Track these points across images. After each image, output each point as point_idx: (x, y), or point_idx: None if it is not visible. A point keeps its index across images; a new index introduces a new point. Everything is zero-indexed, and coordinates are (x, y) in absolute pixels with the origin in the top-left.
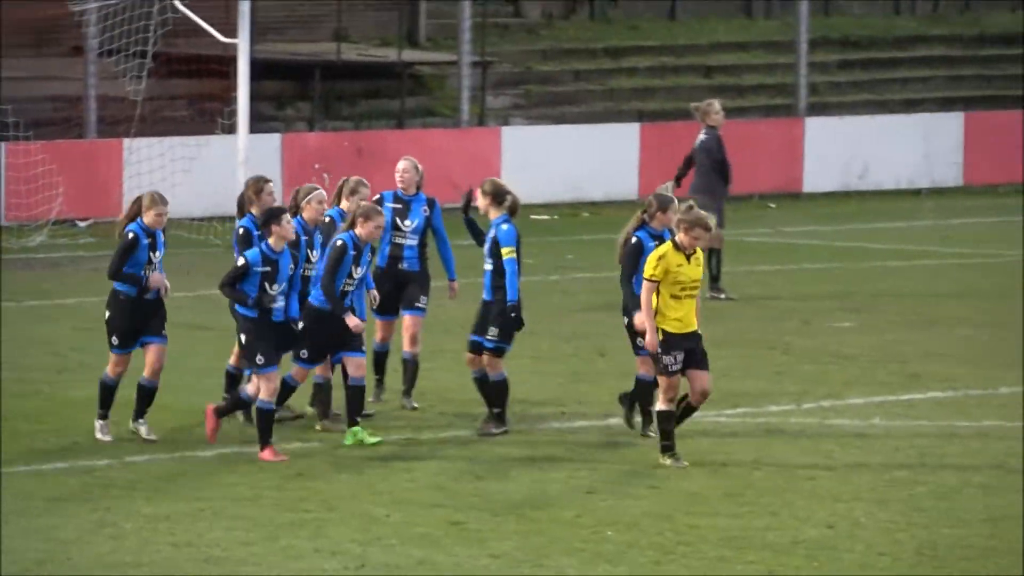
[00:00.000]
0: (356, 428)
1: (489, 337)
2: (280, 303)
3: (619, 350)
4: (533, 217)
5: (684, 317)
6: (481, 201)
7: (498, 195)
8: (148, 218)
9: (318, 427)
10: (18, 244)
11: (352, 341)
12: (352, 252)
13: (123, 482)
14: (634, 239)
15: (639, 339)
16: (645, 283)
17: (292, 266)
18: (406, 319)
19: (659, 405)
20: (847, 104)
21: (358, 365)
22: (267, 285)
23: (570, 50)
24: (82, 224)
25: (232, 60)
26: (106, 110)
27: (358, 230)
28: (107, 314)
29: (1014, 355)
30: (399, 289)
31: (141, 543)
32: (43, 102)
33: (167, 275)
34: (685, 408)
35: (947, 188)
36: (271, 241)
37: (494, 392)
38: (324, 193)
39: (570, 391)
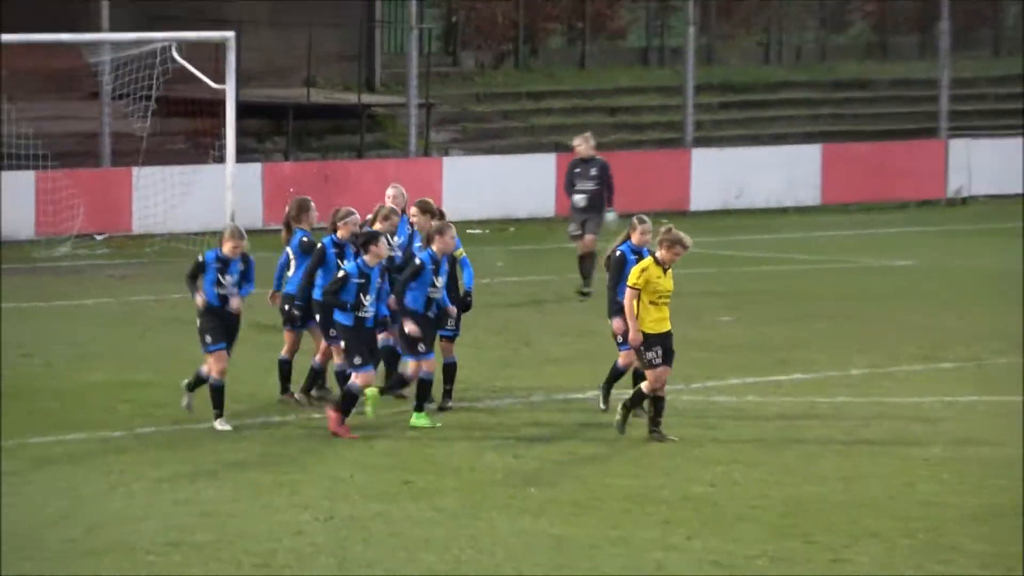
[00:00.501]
0: (422, 413)
1: (448, 327)
2: (371, 312)
3: (541, 341)
4: (469, 231)
5: (660, 320)
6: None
7: (428, 211)
8: (225, 248)
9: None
10: (46, 254)
11: (425, 343)
12: (431, 266)
13: (132, 449)
14: (618, 252)
15: (619, 337)
16: (628, 290)
17: (380, 280)
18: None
19: (645, 387)
20: (726, 138)
21: (430, 363)
22: (362, 295)
23: (499, 94)
24: (99, 237)
25: (221, 102)
26: (118, 144)
27: (434, 246)
28: (197, 321)
29: (862, 342)
30: None
31: (147, 500)
32: (66, 138)
33: (148, 281)
34: (641, 392)
35: (808, 207)
36: (367, 258)
37: (448, 372)
38: (359, 217)
39: (500, 374)
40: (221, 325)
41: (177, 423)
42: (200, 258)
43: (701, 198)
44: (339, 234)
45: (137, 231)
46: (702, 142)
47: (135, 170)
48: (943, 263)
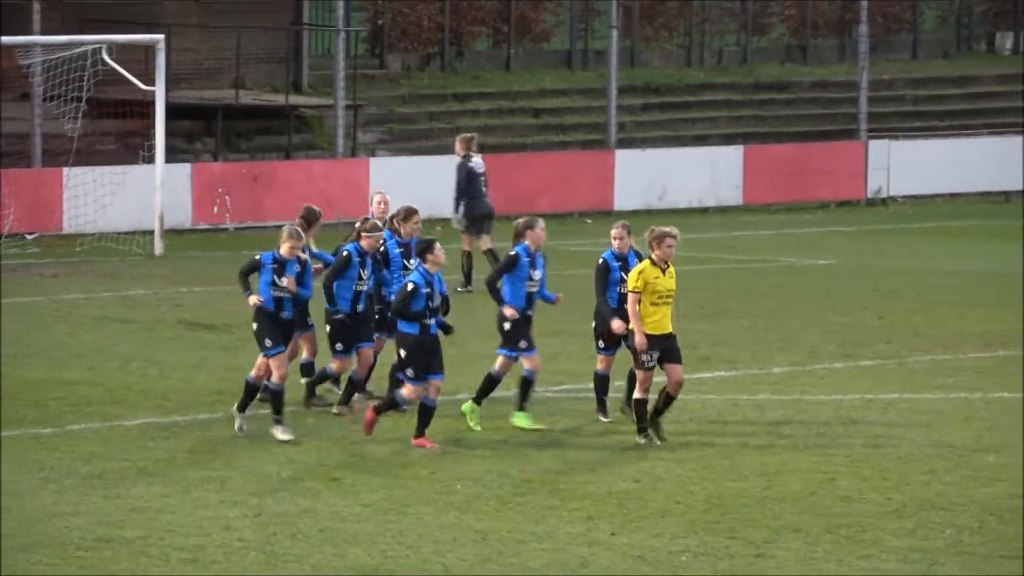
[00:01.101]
0: (524, 413)
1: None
2: (432, 319)
3: (469, 340)
4: None
5: (660, 321)
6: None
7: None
8: (283, 249)
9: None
10: None
11: (527, 339)
12: (526, 259)
13: (63, 446)
14: (601, 260)
15: (600, 342)
16: (630, 295)
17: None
18: None
19: (636, 394)
20: (649, 139)
21: (533, 361)
22: (429, 303)
23: (424, 95)
24: (29, 237)
25: (151, 104)
26: (49, 145)
27: (526, 240)
28: (254, 325)
29: (784, 341)
30: None
31: (78, 496)
32: None
33: (78, 280)
34: (666, 398)
35: (729, 207)
36: (427, 266)
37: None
38: (382, 233)
39: None
40: (278, 328)
41: (107, 420)
42: (257, 256)
43: (624, 199)
44: (363, 244)
45: (68, 231)
46: (625, 143)
47: (66, 170)
48: (863, 263)
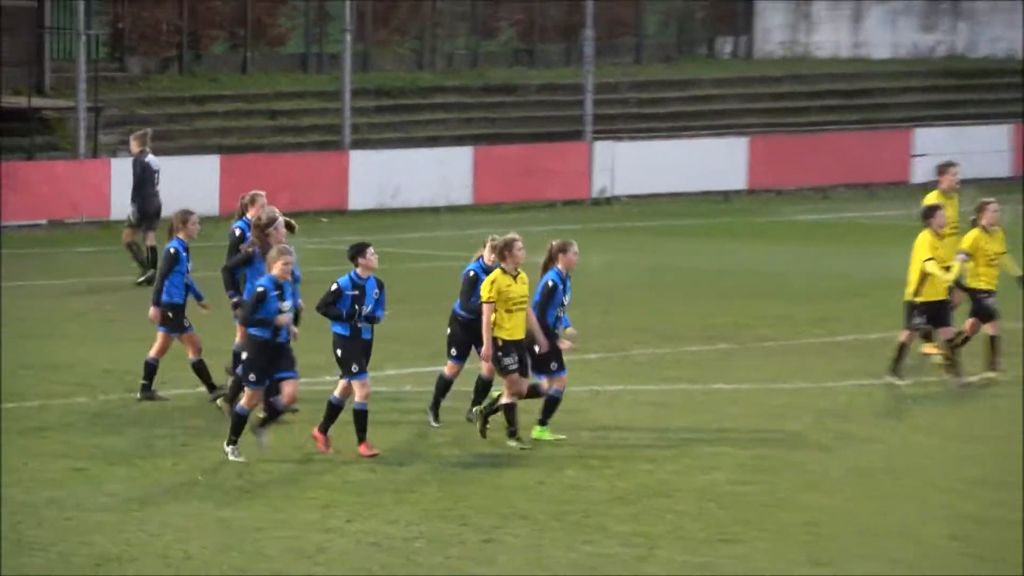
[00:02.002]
0: (544, 427)
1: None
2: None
3: (208, 335)
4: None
5: (517, 327)
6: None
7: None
8: (276, 269)
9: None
10: None
11: (557, 360)
12: (560, 286)
13: None
14: (470, 272)
15: (452, 350)
16: (485, 305)
17: (377, 291)
18: None
19: (504, 400)
20: (382, 140)
21: (561, 381)
22: (356, 306)
23: (164, 98)
24: None
25: None
26: None
27: (559, 264)
28: (244, 355)
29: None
30: None
31: None
32: None
33: None
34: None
35: (461, 206)
36: (359, 270)
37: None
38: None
39: (172, 366)
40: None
41: None
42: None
43: (359, 198)
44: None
45: None
46: (359, 144)
47: None
48: (588, 260)
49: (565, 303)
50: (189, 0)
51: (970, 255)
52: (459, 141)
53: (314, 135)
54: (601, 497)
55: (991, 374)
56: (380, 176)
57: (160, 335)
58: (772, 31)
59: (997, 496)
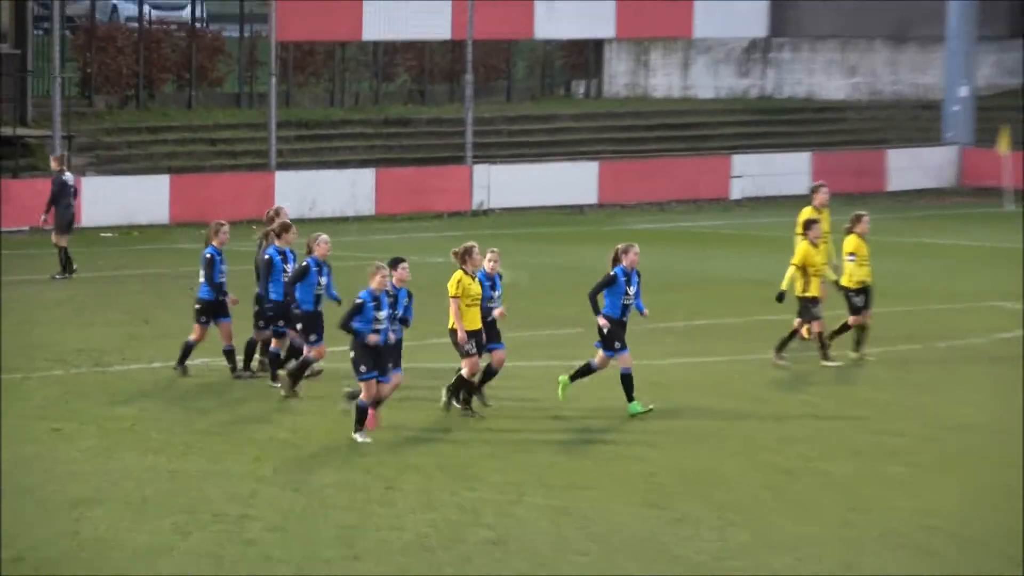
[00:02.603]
0: (634, 402)
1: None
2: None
3: (160, 319)
4: (102, 235)
5: (473, 320)
6: None
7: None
8: (373, 282)
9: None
10: None
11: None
12: (623, 278)
13: None
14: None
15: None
16: (452, 300)
17: (407, 299)
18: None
19: (464, 374)
20: (301, 163)
21: (625, 358)
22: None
23: (124, 128)
24: None
25: None
26: None
27: (624, 261)
28: (352, 354)
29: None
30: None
31: None
32: None
33: None
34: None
35: (366, 216)
36: (394, 280)
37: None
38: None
39: (128, 345)
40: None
41: None
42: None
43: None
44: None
45: None
46: (283, 166)
47: None
48: None
49: (630, 293)
50: (144, 49)
51: (855, 255)
52: (363, 164)
53: (246, 159)
54: (479, 452)
55: (857, 354)
56: (300, 192)
57: (197, 327)
58: (617, 76)
59: (805, 450)
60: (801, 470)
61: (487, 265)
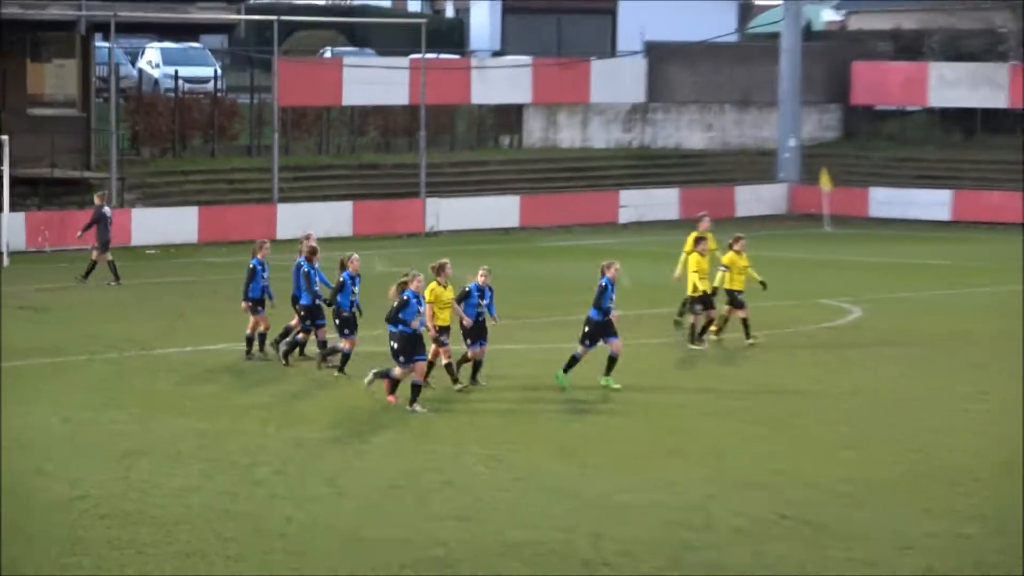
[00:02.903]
0: (609, 377)
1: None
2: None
3: (192, 316)
4: (147, 252)
5: (444, 318)
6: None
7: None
8: (413, 285)
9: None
10: None
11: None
12: (609, 286)
13: None
14: (466, 288)
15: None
16: (427, 305)
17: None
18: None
19: (444, 361)
20: (297, 197)
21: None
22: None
23: (164, 171)
24: None
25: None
26: None
27: (608, 274)
28: (394, 345)
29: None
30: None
31: None
32: None
33: None
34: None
35: (346, 237)
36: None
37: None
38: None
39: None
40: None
41: None
42: (405, 297)
43: (284, 232)
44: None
45: None
46: (283, 200)
47: None
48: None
49: (613, 297)
50: (178, 112)
51: (729, 267)
52: (344, 198)
53: (255, 194)
54: (435, 416)
55: (749, 341)
56: (296, 219)
57: (252, 317)
58: (534, 131)
59: (681, 412)
60: (677, 428)
61: (480, 279)
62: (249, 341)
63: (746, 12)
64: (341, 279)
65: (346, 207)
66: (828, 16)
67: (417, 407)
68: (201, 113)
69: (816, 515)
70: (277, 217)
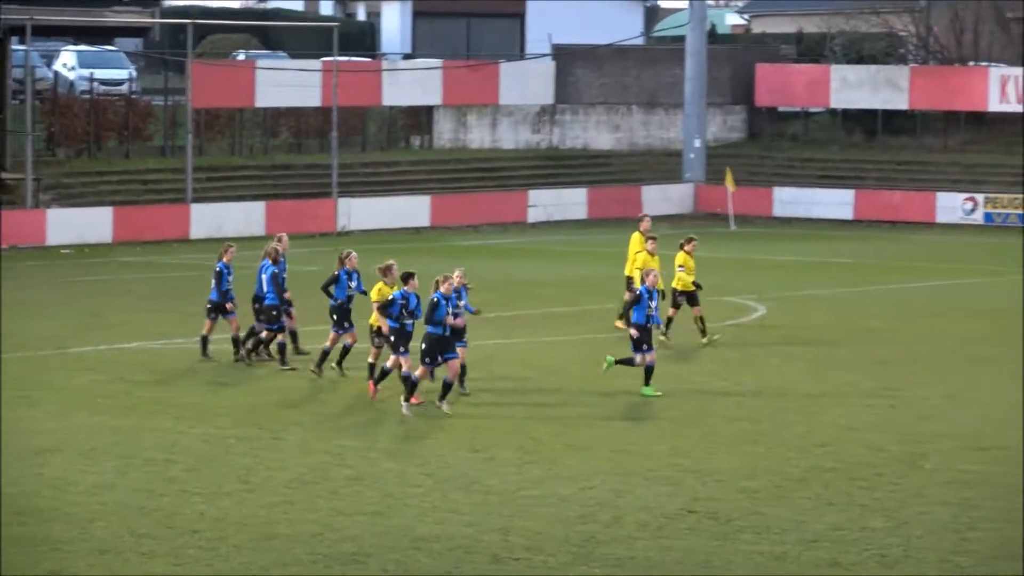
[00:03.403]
0: (649, 387)
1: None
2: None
3: (106, 315)
4: (62, 252)
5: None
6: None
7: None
8: (443, 287)
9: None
10: None
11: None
12: (647, 294)
13: None
14: (433, 298)
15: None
16: (375, 305)
17: (416, 301)
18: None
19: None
20: (210, 197)
21: (652, 356)
22: (403, 310)
23: (79, 172)
24: None
25: None
26: None
27: (647, 282)
28: (423, 345)
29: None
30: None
31: None
32: None
33: None
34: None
35: (257, 236)
36: (407, 288)
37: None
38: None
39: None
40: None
41: None
42: (434, 298)
43: (197, 231)
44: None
45: None
46: (197, 200)
47: None
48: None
49: (652, 306)
50: (94, 114)
51: (683, 267)
52: (256, 198)
53: (169, 194)
54: (346, 412)
55: (704, 340)
56: (209, 219)
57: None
58: (444, 132)
59: (584, 408)
60: (581, 422)
61: (455, 280)
62: (235, 342)
63: (652, 16)
64: (336, 273)
65: (259, 207)
66: (732, 20)
67: (444, 405)
68: (116, 115)
69: (722, 509)
70: (191, 217)
